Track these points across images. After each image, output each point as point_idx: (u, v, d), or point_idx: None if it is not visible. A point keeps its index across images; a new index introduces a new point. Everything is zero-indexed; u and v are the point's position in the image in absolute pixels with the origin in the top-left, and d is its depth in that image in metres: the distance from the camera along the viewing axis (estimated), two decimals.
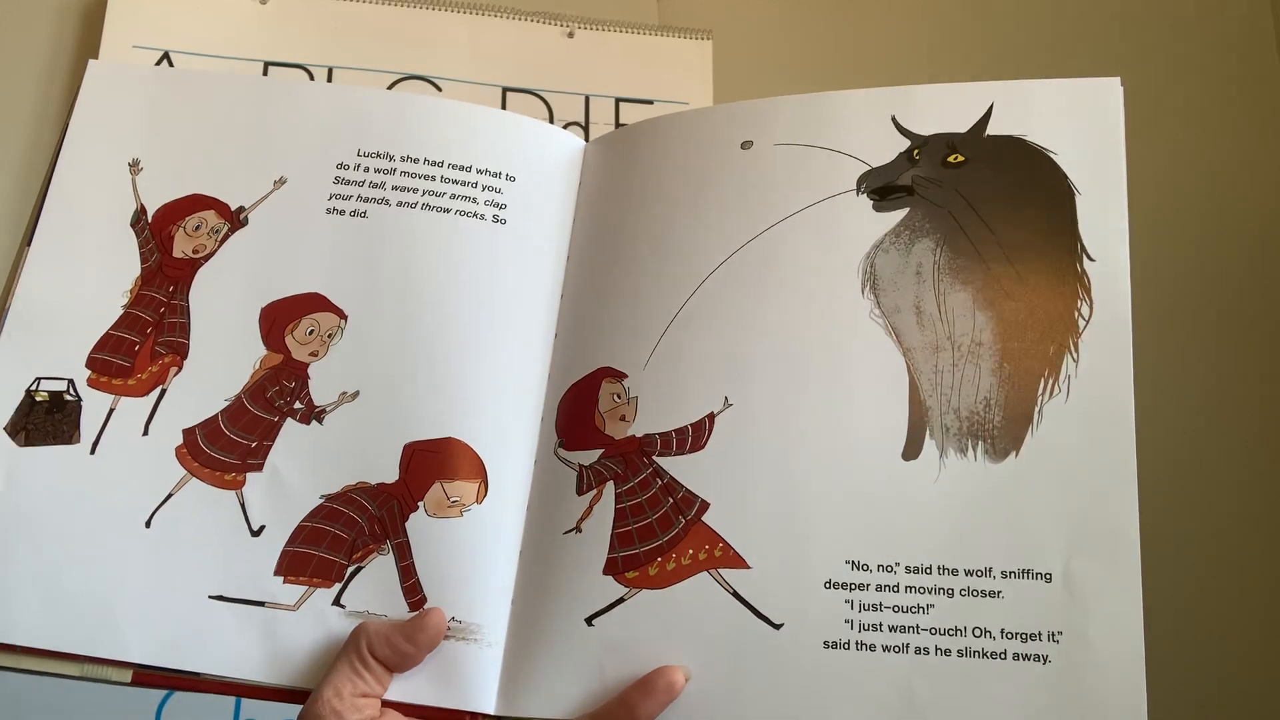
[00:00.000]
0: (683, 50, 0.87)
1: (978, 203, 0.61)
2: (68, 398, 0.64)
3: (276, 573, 0.60)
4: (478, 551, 0.60)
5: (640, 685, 0.55)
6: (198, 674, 0.59)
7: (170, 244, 0.67)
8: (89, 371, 0.65)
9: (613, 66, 0.85)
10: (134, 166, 0.69)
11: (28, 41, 0.77)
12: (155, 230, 0.68)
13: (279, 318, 0.65)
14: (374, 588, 0.60)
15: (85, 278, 0.67)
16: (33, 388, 0.65)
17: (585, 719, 0.56)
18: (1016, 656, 0.54)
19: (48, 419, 0.64)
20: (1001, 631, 0.54)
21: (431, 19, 0.84)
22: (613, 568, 0.59)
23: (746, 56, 0.89)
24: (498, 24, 0.85)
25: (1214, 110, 0.84)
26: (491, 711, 0.58)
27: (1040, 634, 0.54)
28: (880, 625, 0.55)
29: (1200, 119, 0.84)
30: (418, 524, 0.60)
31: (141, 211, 0.68)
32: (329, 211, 0.67)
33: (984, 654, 0.54)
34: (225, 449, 0.63)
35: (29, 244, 0.68)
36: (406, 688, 0.58)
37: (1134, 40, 0.87)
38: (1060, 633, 0.54)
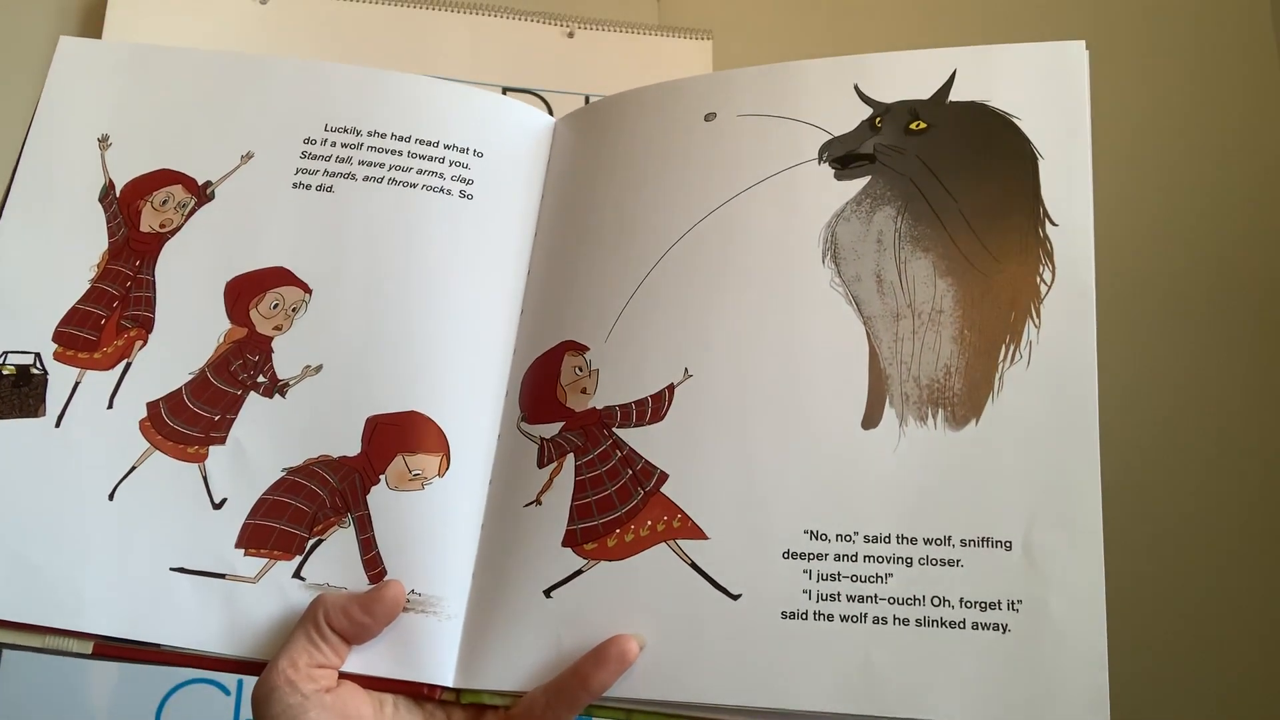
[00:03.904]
0: (683, 50, 0.87)
1: (940, 169, 0.60)
2: (34, 371, 0.64)
3: (237, 545, 0.60)
4: (438, 524, 0.60)
5: (593, 655, 0.55)
6: (158, 645, 0.59)
7: (137, 218, 0.67)
8: (56, 345, 0.65)
9: (613, 66, 0.85)
10: (103, 142, 0.69)
11: (28, 41, 0.78)
12: (123, 205, 0.68)
13: (243, 292, 0.65)
14: (334, 560, 0.60)
15: (53, 252, 0.67)
16: (0, 361, 0.65)
17: (539, 691, 0.55)
18: (976, 626, 0.53)
19: (14, 393, 0.64)
20: (961, 600, 0.54)
21: (431, 19, 0.84)
22: (571, 540, 0.58)
23: (746, 56, 0.89)
24: (498, 24, 0.85)
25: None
26: (449, 684, 0.58)
27: (1000, 603, 0.53)
28: (838, 595, 0.55)
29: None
30: (379, 497, 0.60)
31: (110, 187, 0.68)
32: (295, 186, 0.67)
33: (943, 623, 0.54)
34: (188, 422, 0.63)
35: None
36: (364, 660, 0.57)
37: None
38: (1020, 602, 0.53)
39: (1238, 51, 0.86)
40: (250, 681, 0.58)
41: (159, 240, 0.67)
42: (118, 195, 0.68)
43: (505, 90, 0.81)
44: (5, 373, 0.64)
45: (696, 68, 0.86)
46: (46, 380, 0.64)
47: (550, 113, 0.79)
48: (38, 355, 0.65)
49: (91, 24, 0.79)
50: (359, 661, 0.57)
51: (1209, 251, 0.78)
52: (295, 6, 0.81)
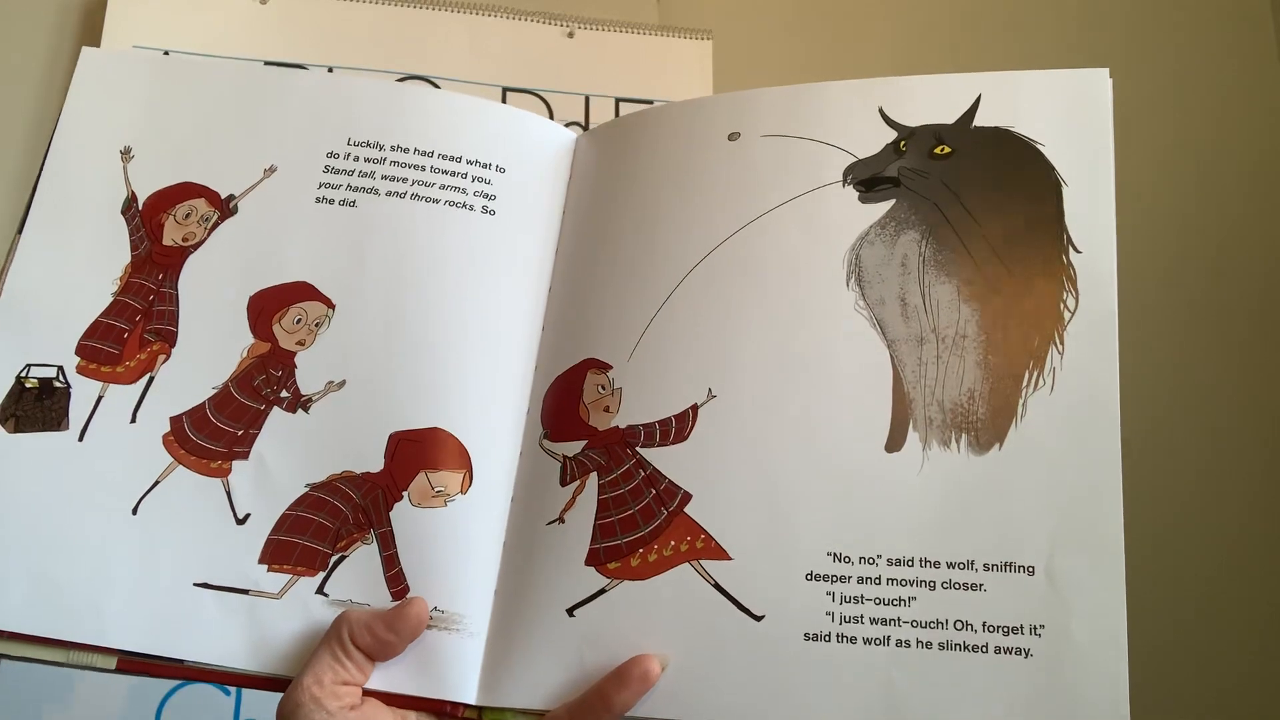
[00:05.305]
0: (683, 50, 0.87)
1: (964, 194, 0.61)
2: (57, 385, 0.65)
3: (261, 561, 0.60)
4: (461, 541, 0.60)
5: (616, 675, 0.55)
6: (181, 661, 0.59)
7: (160, 232, 0.67)
8: (78, 359, 0.65)
9: (613, 66, 0.85)
10: (126, 154, 0.69)
11: (29, 42, 0.78)
12: (146, 218, 0.68)
13: (266, 306, 0.65)
14: (357, 577, 0.60)
15: (76, 265, 0.67)
16: (23, 374, 0.65)
17: (562, 710, 0.56)
18: (998, 650, 0.54)
19: (37, 406, 0.64)
20: (983, 624, 0.54)
21: (431, 19, 0.84)
22: (594, 559, 0.58)
23: (746, 56, 0.89)
24: (498, 24, 0.86)
25: (1205, 103, 0.84)
26: (472, 701, 0.58)
27: (1022, 627, 0.54)
28: (861, 617, 0.55)
29: (1191, 112, 0.84)
30: (402, 513, 0.60)
31: (132, 199, 0.68)
32: (318, 200, 0.67)
33: (965, 647, 0.54)
34: (212, 437, 0.63)
35: (20, 231, 0.68)
36: (388, 677, 0.58)
37: (1125, 33, 0.87)
38: (1042, 626, 0.54)
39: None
40: None
41: (181, 254, 0.67)
42: (140, 208, 0.68)
43: (505, 90, 0.81)
44: (28, 386, 0.64)
45: (696, 68, 0.87)
46: (69, 393, 0.64)
47: (550, 113, 0.79)
48: (60, 368, 0.65)
49: (91, 23, 0.79)
50: (382, 679, 0.58)
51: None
52: (295, 6, 0.81)
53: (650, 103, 0.81)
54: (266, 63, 0.77)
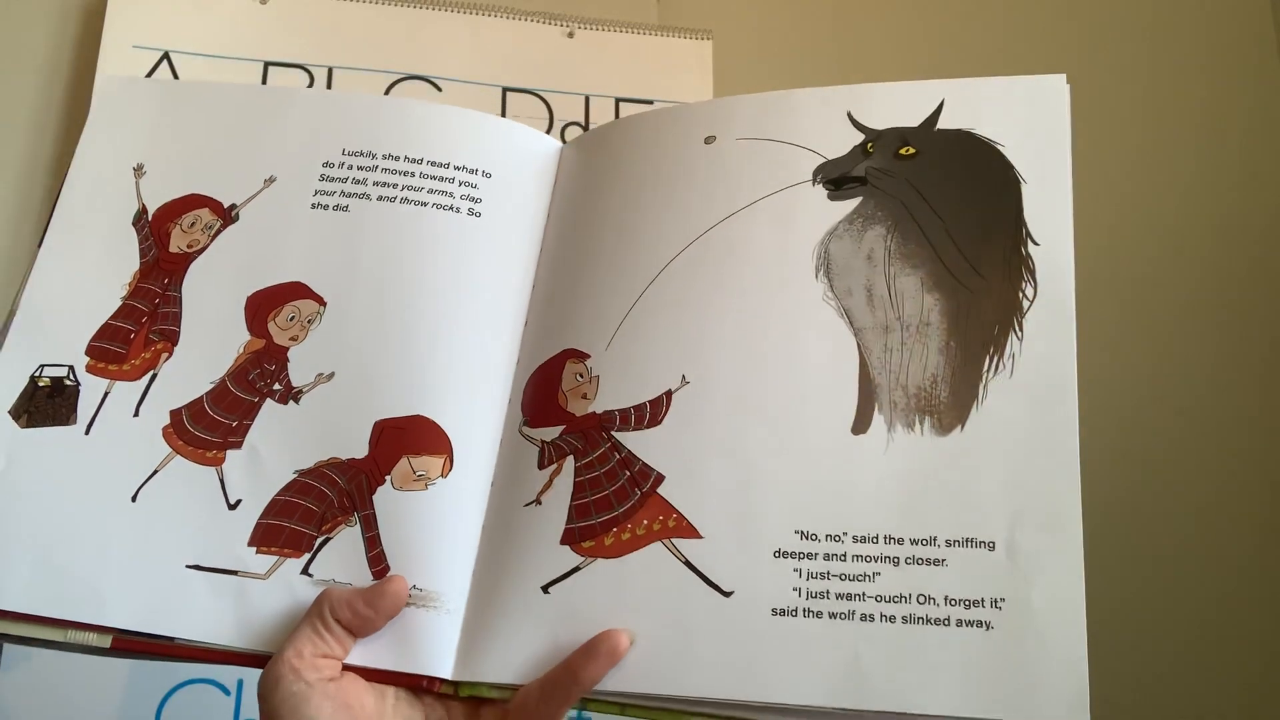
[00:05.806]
0: (683, 50, 0.89)
1: (928, 192, 0.63)
2: (67, 383, 0.68)
3: (250, 544, 0.63)
4: (441, 523, 0.62)
5: (584, 649, 0.56)
6: (172, 639, 0.61)
7: (167, 240, 0.71)
8: (88, 358, 0.68)
9: (613, 66, 0.87)
10: (138, 170, 0.73)
11: (29, 42, 0.80)
12: (154, 228, 0.72)
13: (262, 305, 0.68)
14: (341, 557, 0.62)
15: (89, 273, 0.71)
16: (36, 374, 0.68)
17: (532, 685, 0.57)
18: (960, 623, 0.55)
19: (48, 402, 0.67)
20: (945, 599, 0.55)
21: (431, 19, 0.86)
22: (570, 538, 0.60)
23: (746, 56, 0.91)
24: (498, 24, 0.87)
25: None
26: (448, 676, 0.59)
27: (983, 601, 0.55)
28: (828, 593, 0.56)
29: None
30: (384, 497, 0.63)
31: (143, 211, 0.72)
32: (314, 206, 0.70)
33: (928, 620, 0.55)
34: (208, 428, 0.66)
35: (41, 244, 0.72)
36: (367, 652, 0.59)
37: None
38: (1003, 599, 0.55)
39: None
40: (250, 682, 0.59)
41: (186, 260, 0.70)
42: (149, 219, 0.72)
43: (505, 90, 0.83)
44: (41, 384, 0.68)
45: (696, 68, 0.88)
46: (78, 391, 0.67)
47: (551, 114, 0.81)
48: (71, 368, 0.68)
49: (92, 24, 0.81)
50: (361, 654, 0.59)
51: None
52: (295, 6, 0.83)
53: (650, 103, 0.83)
54: (267, 63, 0.80)
